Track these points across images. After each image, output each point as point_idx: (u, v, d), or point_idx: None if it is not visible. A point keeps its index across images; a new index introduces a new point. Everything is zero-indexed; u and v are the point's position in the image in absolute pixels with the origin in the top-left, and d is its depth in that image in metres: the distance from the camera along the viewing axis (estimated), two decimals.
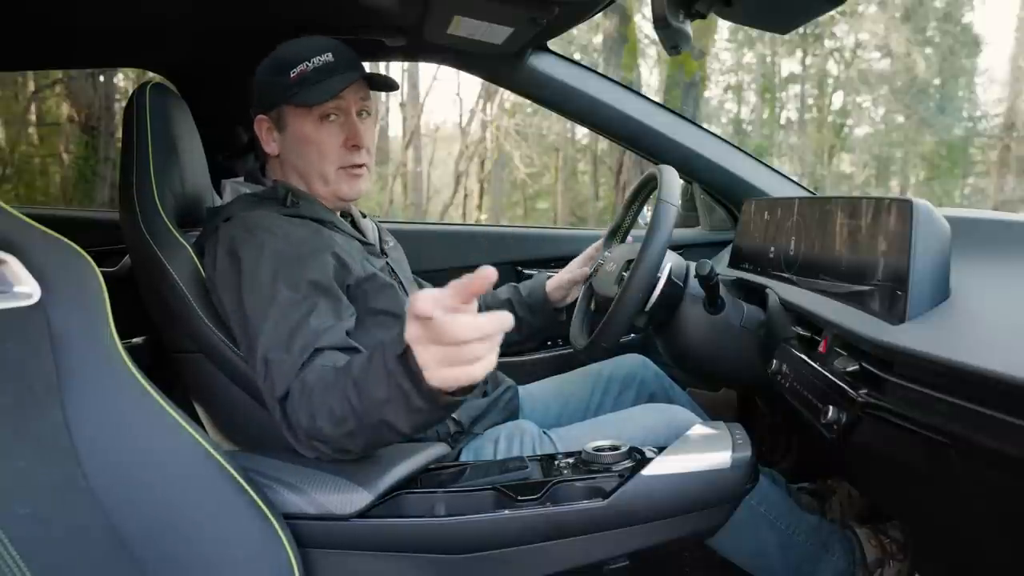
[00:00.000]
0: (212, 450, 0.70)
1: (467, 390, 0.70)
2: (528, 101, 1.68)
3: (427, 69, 7.88)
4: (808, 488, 1.35)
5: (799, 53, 8.27)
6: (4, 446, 0.57)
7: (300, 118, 1.02)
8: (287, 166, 1.07)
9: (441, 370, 0.64)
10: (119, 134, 1.09)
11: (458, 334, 0.61)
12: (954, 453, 0.61)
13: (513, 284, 1.34)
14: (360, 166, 1.05)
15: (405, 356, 0.67)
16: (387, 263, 1.12)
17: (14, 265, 0.62)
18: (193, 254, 1.01)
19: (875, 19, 7.80)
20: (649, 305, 1.10)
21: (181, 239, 1.01)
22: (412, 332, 0.65)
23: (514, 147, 7.89)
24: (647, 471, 0.83)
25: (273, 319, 0.86)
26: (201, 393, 1.07)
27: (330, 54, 1.01)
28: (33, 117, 6.28)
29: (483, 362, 0.64)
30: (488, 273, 0.60)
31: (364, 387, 0.73)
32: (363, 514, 0.79)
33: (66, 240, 0.67)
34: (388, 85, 1.09)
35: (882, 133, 8.39)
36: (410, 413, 0.71)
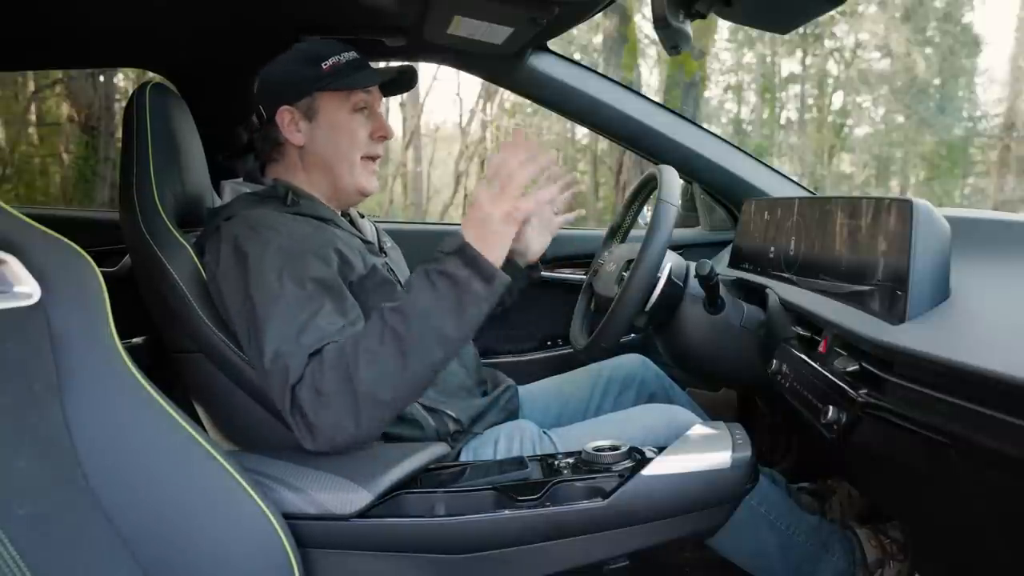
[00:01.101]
0: (212, 450, 0.70)
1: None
2: (528, 101, 1.68)
3: (427, 69, 7.88)
4: (808, 488, 1.35)
5: (799, 53, 8.26)
6: (4, 446, 0.57)
7: (335, 105, 1.05)
8: (310, 156, 1.07)
9: (499, 204, 0.82)
10: (119, 134, 1.09)
11: (507, 159, 0.83)
12: (954, 453, 0.61)
13: None
14: (374, 159, 1.10)
15: (462, 248, 0.81)
16: (386, 262, 1.12)
17: (14, 265, 0.62)
18: (193, 254, 1.01)
19: (875, 19, 7.80)
20: (649, 305, 1.10)
21: (181, 239, 1.01)
22: (480, 190, 0.85)
23: None
24: (647, 471, 0.83)
25: (281, 316, 0.86)
26: (201, 393, 1.07)
27: (355, 52, 1.07)
28: (33, 117, 6.27)
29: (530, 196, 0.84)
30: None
31: (408, 306, 0.80)
32: (363, 514, 0.79)
33: (66, 240, 0.67)
34: (399, 88, 1.14)
35: (882, 133, 8.39)
36: (465, 310, 0.80)
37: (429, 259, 0.84)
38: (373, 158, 1.10)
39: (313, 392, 0.80)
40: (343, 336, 0.86)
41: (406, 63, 1.13)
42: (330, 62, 1.04)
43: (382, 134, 1.09)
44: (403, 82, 1.13)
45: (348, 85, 1.05)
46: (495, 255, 0.83)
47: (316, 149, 1.07)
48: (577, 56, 6.29)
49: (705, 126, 1.65)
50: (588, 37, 7.62)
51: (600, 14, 1.39)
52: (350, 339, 0.82)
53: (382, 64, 1.22)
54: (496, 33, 1.29)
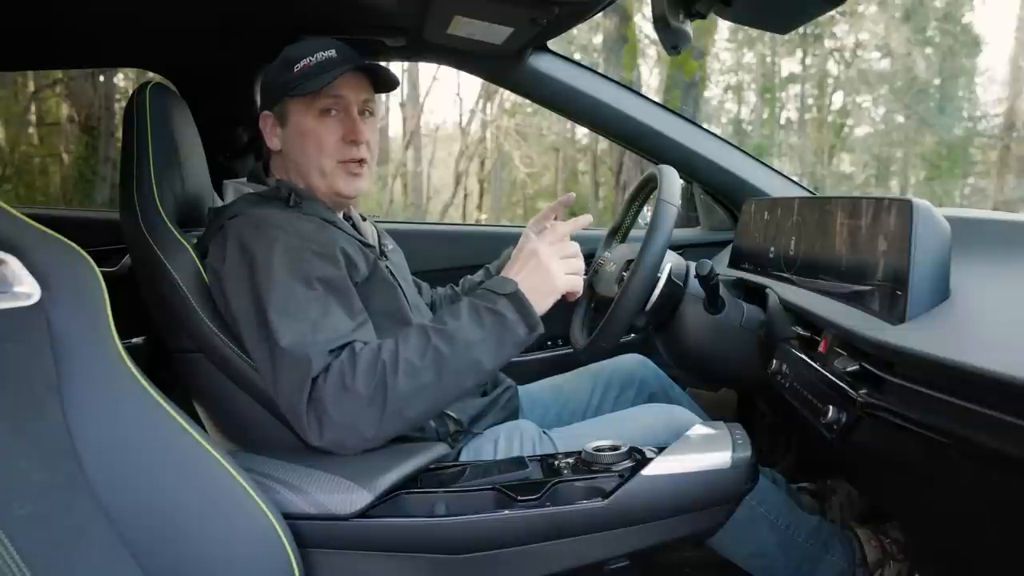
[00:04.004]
0: (212, 450, 0.70)
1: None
2: (528, 101, 1.68)
3: (427, 69, 7.87)
4: (808, 488, 1.35)
5: (799, 53, 8.25)
6: (4, 446, 0.57)
7: (301, 111, 1.03)
8: (288, 162, 1.07)
9: (564, 277, 0.93)
10: (119, 134, 1.09)
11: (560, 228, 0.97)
12: (954, 453, 0.61)
13: (486, 266, 1.33)
14: (359, 163, 1.05)
15: (516, 294, 0.87)
16: (386, 266, 1.12)
17: (14, 265, 0.62)
18: (194, 254, 1.01)
19: (875, 19, 7.79)
20: (649, 305, 1.10)
21: (181, 239, 1.01)
22: (532, 244, 0.94)
23: (514, 147, 7.89)
24: (647, 471, 0.83)
25: (293, 313, 0.86)
26: (201, 393, 1.07)
27: (333, 51, 1.02)
28: (33, 117, 6.28)
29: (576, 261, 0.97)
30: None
31: (453, 331, 0.85)
32: (363, 514, 0.79)
33: (66, 240, 0.67)
34: (389, 83, 1.08)
35: (882, 133, 8.38)
36: (504, 348, 0.87)
37: (478, 293, 0.90)
38: (352, 161, 1.04)
39: (340, 388, 0.81)
40: (359, 337, 0.86)
41: (377, 63, 1.07)
42: (300, 65, 1.01)
43: (352, 138, 1.02)
44: (384, 81, 1.07)
45: (305, 90, 1.00)
46: (541, 308, 0.91)
47: (290, 155, 1.06)
48: (577, 56, 6.28)
49: (705, 126, 1.65)
50: (588, 37, 7.62)
51: (600, 14, 1.39)
52: (387, 346, 0.84)
53: (384, 63, 1.21)
54: (496, 33, 1.29)
